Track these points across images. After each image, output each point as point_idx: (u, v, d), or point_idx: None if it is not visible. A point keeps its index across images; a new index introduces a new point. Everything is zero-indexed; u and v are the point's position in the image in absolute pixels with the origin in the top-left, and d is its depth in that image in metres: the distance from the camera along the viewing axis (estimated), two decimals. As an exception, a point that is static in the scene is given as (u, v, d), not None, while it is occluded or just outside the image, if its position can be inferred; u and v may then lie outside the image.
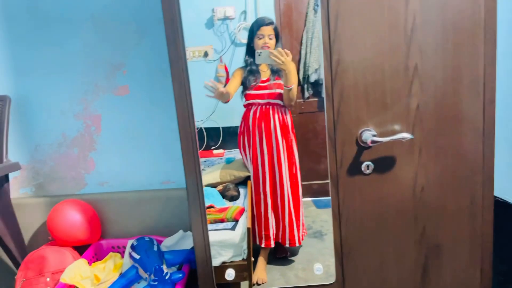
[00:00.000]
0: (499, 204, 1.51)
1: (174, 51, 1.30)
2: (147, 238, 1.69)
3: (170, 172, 1.89)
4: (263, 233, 2.34)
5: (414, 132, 1.34)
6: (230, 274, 1.65)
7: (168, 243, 1.77)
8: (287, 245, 2.38)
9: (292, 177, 2.36)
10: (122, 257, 1.77)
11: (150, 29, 1.77)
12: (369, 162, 1.35)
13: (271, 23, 2.22)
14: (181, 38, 1.30)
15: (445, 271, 1.43)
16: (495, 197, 1.53)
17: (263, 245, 2.34)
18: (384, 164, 1.36)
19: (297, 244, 2.40)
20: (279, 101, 2.28)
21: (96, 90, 1.82)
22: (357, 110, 1.33)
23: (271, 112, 2.28)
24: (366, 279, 1.44)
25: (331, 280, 1.45)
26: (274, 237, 2.35)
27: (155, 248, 1.64)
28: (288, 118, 2.34)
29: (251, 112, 2.30)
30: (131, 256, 1.62)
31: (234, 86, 2.23)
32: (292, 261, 1.93)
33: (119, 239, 1.85)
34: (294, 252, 2.46)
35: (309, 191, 2.84)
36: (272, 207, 2.34)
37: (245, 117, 2.37)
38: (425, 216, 1.39)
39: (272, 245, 2.34)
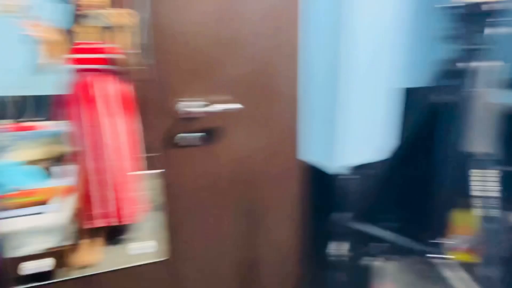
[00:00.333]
0: (317, 167, 1.67)
1: None
2: None
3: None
4: (92, 212, 2.15)
5: (240, 101, 1.34)
6: (46, 264, 1.46)
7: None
8: (122, 223, 2.25)
9: (120, 150, 2.21)
10: None
11: None
12: (197, 133, 1.32)
13: None
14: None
15: (265, 234, 1.53)
16: (312, 162, 1.68)
17: (93, 225, 2.15)
18: (212, 134, 1.35)
19: (134, 221, 2.29)
20: (107, 67, 2.07)
21: None
22: (180, 79, 1.27)
23: (98, 79, 2.06)
24: (199, 251, 1.44)
25: (164, 256, 1.40)
26: (105, 215, 2.19)
27: None
28: (121, 87, 2.15)
29: (80, 78, 2.04)
30: None
31: (56, 48, 1.93)
32: (127, 239, 1.82)
33: None
34: (132, 230, 2.34)
35: (152, 164, 2.73)
36: (99, 184, 2.16)
37: (72, 84, 2.09)
38: (252, 182, 1.44)
39: (101, 224, 2.18)
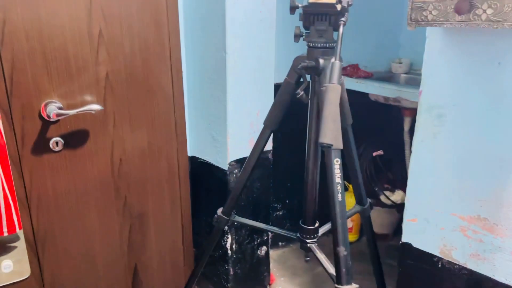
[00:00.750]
0: (201, 164, 1.66)
1: None
2: None
3: None
4: None
5: (106, 102, 1.27)
6: None
7: None
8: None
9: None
10: None
11: None
12: (58, 138, 1.21)
13: None
14: None
15: (150, 237, 1.48)
16: (198, 158, 1.67)
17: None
18: (76, 138, 1.25)
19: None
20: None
21: None
22: (37, 79, 1.15)
23: None
24: (70, 263, 1.33)
25: (26, 275, 1.27)
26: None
27: None
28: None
29: None
30: None
31: None
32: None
33: None
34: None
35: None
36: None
37: None
38: (126, 187, 1.38)
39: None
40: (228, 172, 1.56)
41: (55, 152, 1.22)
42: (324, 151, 0.92)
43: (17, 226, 2.02)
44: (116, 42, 1.24)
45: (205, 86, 1.55)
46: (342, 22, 0.89)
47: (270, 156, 1.67)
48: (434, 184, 1.04)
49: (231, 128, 1.51)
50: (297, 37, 0.99)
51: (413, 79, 2.07)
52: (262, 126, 1.13)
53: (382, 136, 2.15)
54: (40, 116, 1.17)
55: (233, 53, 1.42)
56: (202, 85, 1.56)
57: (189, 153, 1.65)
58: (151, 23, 1.30)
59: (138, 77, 1.31)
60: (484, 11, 0.75)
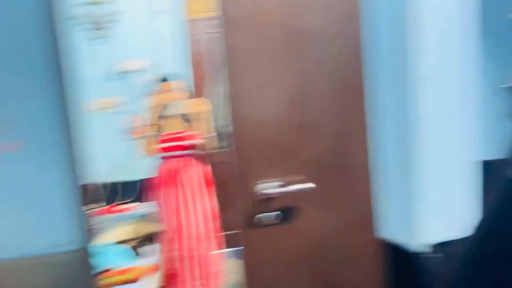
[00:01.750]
0: (388, 245, 1.62)
1: (70, 105, 1.25)
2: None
3: (62, 234, 1.73)
4: (176, 290, 2.23)
5: (314, 182, 1.41)
6: None
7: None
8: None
9: (204, 229, 2.32)
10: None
11: (46, 81, 1.68)
12: (273, 213, 1.38)
13: (173, 78, 2.26)
14: (81, 92, 1.26)
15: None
16: (385, 238, 1.64)
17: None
18: (288, 214, 1.40)
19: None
20: (194, 152, 2.28)
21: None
22: (259, 162, 1.37)
23: (186, 163, 2.27)
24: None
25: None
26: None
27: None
28: (204, 169, 2.33)
29: (166, 164, 2.26)
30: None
31: (153, 137, 2.20)
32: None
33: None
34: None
35: (232, 242, 2.81)
36: (185, 262, 2.26)
37: (159, 169, 2.32)
38: (327, 262, 1.44)
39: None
40: (426, 257, 1.47)
41: (270, 225, 1.39)
42: None
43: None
44: (321, 129, 1.40)
45: (399, 164, 1.55)
46: None
47: (473, 240, 1.50)
48: None
49: (422, 209, 1.45)
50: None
51: None
52: (464, 205, 1.04)
53: None
54: (260, 193, 1.37)
55: (428, 130, 1.40)
56: (394, 162, 1.56)
57: (383, 234, 1.63)
58: (349, 111, 1.43)
59: (340, 158, 1.43)
60: None
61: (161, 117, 2.33)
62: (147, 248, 2.39)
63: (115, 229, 2.39)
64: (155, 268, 2.16)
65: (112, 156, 2.63)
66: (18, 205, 1.69)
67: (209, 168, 2.40)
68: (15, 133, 1.67)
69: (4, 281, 1.64)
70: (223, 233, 2.69)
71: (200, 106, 2.20)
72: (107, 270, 1.99)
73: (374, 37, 1.47)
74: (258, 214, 1.38)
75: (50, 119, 1.67)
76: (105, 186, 2.72)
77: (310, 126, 1.39)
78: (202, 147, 2.31)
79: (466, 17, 1.36)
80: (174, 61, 2.79)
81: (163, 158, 2.32)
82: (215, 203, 2.39)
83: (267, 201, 1.38)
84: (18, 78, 1.67)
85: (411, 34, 1.33)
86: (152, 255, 2.36)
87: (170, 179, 2.27)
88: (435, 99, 1.40)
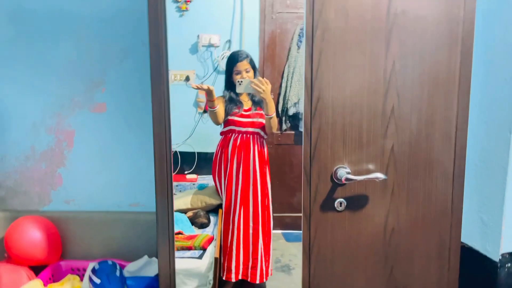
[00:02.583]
0: (466, 249, 1.53)
1: (157, 73, 1.29)
2: (110, 262, 1.62)
3: (140, 195, 1.84)
4: (226, 265, 2.29)
5: (388, 173, 1.36)
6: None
7: (131, 269, 1.70)
8: (256, 281, 2.33)
9: (265, 209, 2.34)
10: (81, 280, 1.69)
11: (133, 50, 1.76)
12: (342, 199, 1.36)
13: (246, 57, 2.26)
14: (165, 61, 1.29)
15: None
16: (462, 243, 1.55)
17: (224, 278, 2.28)
18: (357, 202, 1.37)
19: (264, 280, 2.36)
20: (259, 130, 2.30)
21: (72, 105, 1.78)
22: (334, 147, 1.34)
23: (251, 141, 2.29)
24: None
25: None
26: (240, 271, 2.30)
27: (118, 273, 1.58)
28: (265, 149, 2.35)
29: (231, 139, 2.30)
30: (91, 280, 1.55)
31: (222, 110, 2.24)
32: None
33: (80, 260, 1.76)
34: (261, 286, 2.41)
35: (280, 224, 2.83)
36: (241, 238, 2.31)
37: (223, 144, 2.37)
38: (394, 257, 1.40)
39: (233, 279, 2.28)
40: (499, 265, 1.38)
41: (338, 211, 1.37)
42: None
43: (264, 277, 2.31)
44: (405, 118, 1.34)
45: (490, 165, 1.45)
46: None
47: None
48: None
49: (508, 214, 1.35)
50: None
51: None
52: None
53: None
54: (332, 179, 1.36)
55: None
56: (475, 161, 1.47)
57: (463, 238, 1.55)
58: (439, 103, 1.35)
59: (420, 151, 1.36)
60: None
61: (230, 93, 2.36)
62: (204, 219, 2.46)
63: (181, 197, 2.48)
64: (210, 240, 2.23)
65: (181, 127, 2.72)
66: (105, 164, 1.82)
67: (268, 148, 2.42)
68: (104, 95, 1.78)
69: (87, 231, 1.78)
70: (285, 215, 2.72)
71: (267, 86, 2.20)
72: (179, 233, 2.09)
73: (482, 29, 1.38)
74: (326, 199, 1.37)
75: (137, 85, 1.76)
76: (176, 155, 2.83)
77: (395, 115, 1.34)
78: (267, 126, 2.32)
79: None
80: (247, 39, 2.80)
81: (228, 133, 2.37)
82: (268, 183, 2.41)
83: (337, 187, 1.36)
84: (110, 45, 1.76)
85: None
86: (209, 227, 2.43)
87: (233, 154, 2.31)
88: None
